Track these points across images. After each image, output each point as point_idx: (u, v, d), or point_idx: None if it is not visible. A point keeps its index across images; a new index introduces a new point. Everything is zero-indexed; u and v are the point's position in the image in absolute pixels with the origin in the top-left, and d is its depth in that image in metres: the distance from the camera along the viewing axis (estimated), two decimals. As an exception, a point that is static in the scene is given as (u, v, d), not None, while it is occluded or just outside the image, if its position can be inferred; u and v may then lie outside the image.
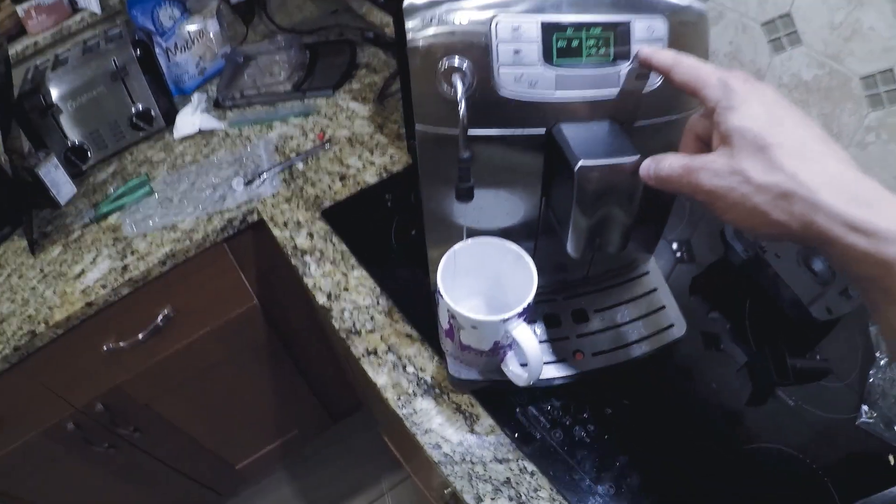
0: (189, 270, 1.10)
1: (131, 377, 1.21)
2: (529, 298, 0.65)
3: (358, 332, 0.84)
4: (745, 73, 0.44)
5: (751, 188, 0.40)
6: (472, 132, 0.59)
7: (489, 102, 0.58)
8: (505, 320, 0.64)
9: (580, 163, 0.54)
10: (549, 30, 0.55)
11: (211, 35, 1.35)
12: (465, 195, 0.58)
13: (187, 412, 1.40)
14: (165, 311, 1.15)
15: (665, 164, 0.47)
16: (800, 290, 0.79)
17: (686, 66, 0.47)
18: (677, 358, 0.79)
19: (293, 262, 0.94)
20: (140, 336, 1.13)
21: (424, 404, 0.76)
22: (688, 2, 0.57)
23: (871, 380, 0.75)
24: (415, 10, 0.56)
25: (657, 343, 0.77)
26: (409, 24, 0.56)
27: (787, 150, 0.39)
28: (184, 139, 1.24)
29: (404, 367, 0.80)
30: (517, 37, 0.55)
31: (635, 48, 0.56)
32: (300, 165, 1.10)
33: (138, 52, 1.22)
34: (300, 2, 1.53)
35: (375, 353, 0.82)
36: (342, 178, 1.08)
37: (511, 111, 0.58)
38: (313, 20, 1.45)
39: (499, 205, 0.68)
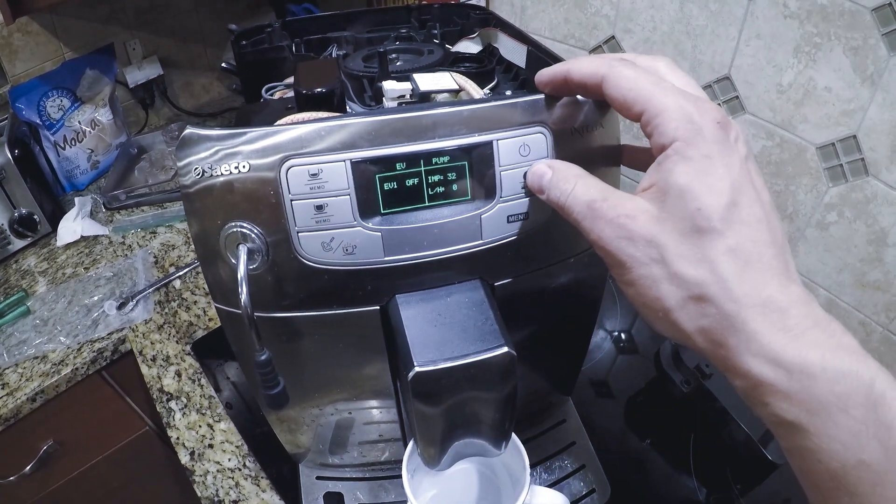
0: (64, 403, 0.93)
1: None
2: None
3: (221, 503, 0.64)
4: (720, 111, 0.30)
5: (663, 272, 0.29)
6: (278, 315, 0.40)
7: (293, 276, 0.39)
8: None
9: (414, 370, 0.35)
10: (366, 171, 0.37)
11: (105, 125, 1.18)
12: (275, 402, 0.39)
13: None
14: (47, 445, 0.99)
15: (566, 188, 0.33)
16: (753, 424, 0.62)
17: (628, 78, 0.31)
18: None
19: (157, 408, 0.75)
20: (27, 469, 0.98)
21: None
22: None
23: None
24: (188, 145, 0.37)
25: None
26: (182, 163, 0.38)
27: (729, 246, 0.28)
28: (68, 246, 1.05)
29: (272, 554, 0.60)
30: (318, 187, 0.37)
31: (506, 177, 0.38)
32: (177, 283, 0.92)
33: (17, 153, 1.04)
34: (206, 82, 1.36)
35: (241, 532, 0.62)
36: (219, 299, 0.89)
37: (325, 286, 0.39)
38: (221, 101, 1.27)
39: (344, 375, 0.49)
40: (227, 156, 0.37)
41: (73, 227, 1.04)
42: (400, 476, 0.59)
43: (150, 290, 0.91)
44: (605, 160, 0.42)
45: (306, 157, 0.37)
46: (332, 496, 0.60)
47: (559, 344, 0.50)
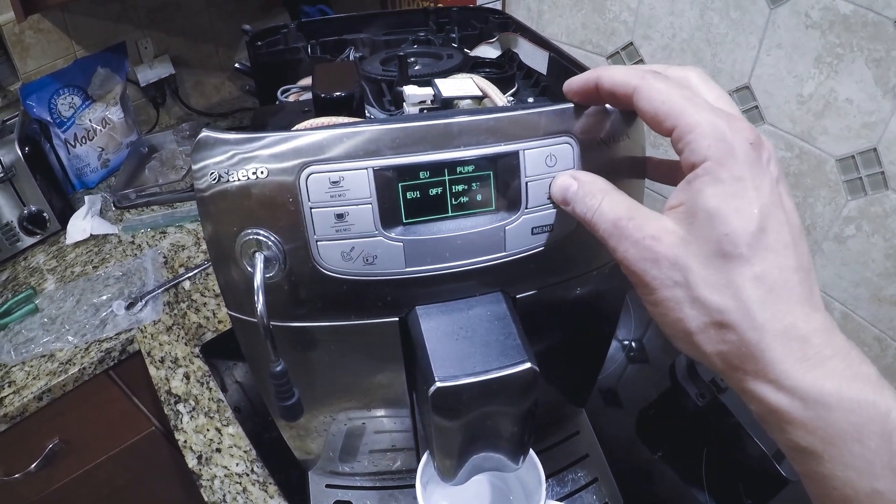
0: (71, 403, 0.92)
1: None
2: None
3: (229, 511, 0.63)
4: (753, 130, 0.29)
5: (686, 295, 0.29)
6: (294, 325, 0.39)
7: (311, 285, 0.38)
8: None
9: (435, 386, 0.33)
10: (388, 179, 0.35)
11: (115, 123, 1.16)
12: (290, 414, 0.38)
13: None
14: (53, 443, 0.98)
15: (592, 204, 0.33)
16: (767, 441, 0.60)
17: (661, 91, 0.30)
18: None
19: (165, 410, 0.74)
20: (32, 467, 0.97)
21: None
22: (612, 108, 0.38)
23: None
24: (203, 149, 0.36)
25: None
26: (197, 167, 0.36)
27: (755, 273, 0.28)
28: (77, 245, 1.04)
29: (278, 563, 0.59)
30: (339, 195, 0.35)
31: (532, 188, 0.36)
32: (187, 284, 0.90)
33: (27, 150, 1.03)
34: (218, 82, 1.34)
35: (247, 539, 0.61)
36: (229, 302, 0.87)
37: (344, 297, 0.38)
38: (232, 101, 1.25)
39: (359, 386, 0.48)
40: (244, 160, 0.36)
41: (82, 225, 1.03)
42: (411, 486, 0.58)
43: (160, 290, 0.90)
44: (631, 172, 0.41)
45: (327, 164, 0.35)
46: (341, 505, 0.58)
47: (577, 355, 0.49)
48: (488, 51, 0.61)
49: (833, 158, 0.71)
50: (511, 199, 0.37)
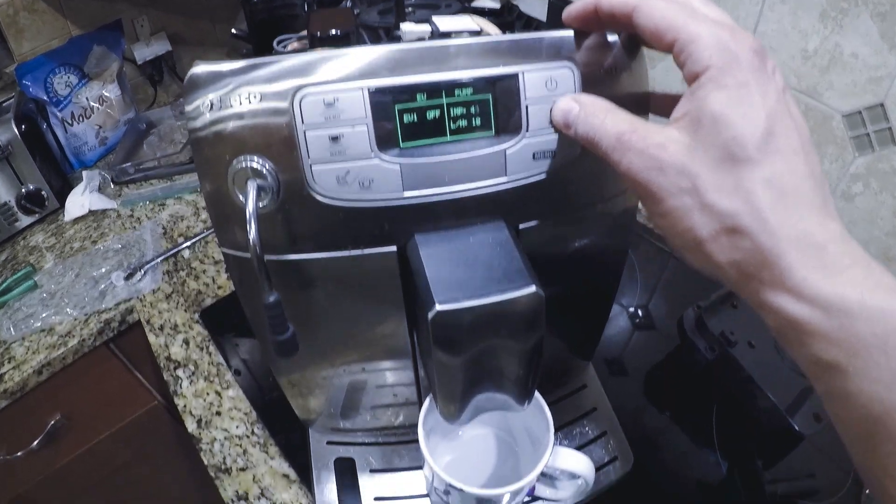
0: (71, 377, 0.91)
1: (33, 486, 1.03)
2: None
3: (228, 471, 0.63)
4: (757, 40, 0.28)
5: (695, 202, 0.28)
6: (288, 258, 0.38)
7: (306, 214, 0.36)
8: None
9: (435, 309, 0.32)
10: (384, 100, 0.34)
11: (113, 101, 1.15)
12: (284, 350, 0.37)
13: (104, 515, 1.18)
14: (55, 419, 0.97)
15: (595, 123, 0.32)
16: (779, 393, 0.58)
17: (660, 8, 0.29)
18: (624, 490, 0.57)
19: (165, 376, 0.73)
20: (34, 445, 0.96)
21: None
22: (613, 37, 0.37)
23: (866, 490, 0.56)
24: (196, 86, 0.35)
25: (596, 485, 0.54)
26: (189, 106, 0.35)
27: (765, 176, 0.27)
28: (76, 221, 1.03)
29: (279, 519, 0.58)
30: (334, 116, 0.34)
31: (532, 111, 0.35)
32: (186, 253, 0.89)
33: (23, 128, 1.02)
34: (215, 57, 1.32)
35: (247, 497, 0.60)
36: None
37: (340, 225, 0.37)
38: (229, 77, 1.24)
39: (359, 328, 0.46)
40: (238, 87, 0.35)
41: (80, 201, 1.01)
42: (413, 441, 0.57)
43: (159, 259, 0.89)
44: (633, 106, 0.39)
45: (321, 86, 0.34)
46: (343, 462, 0.57)
47: (582, 302, 0.48)
48: (488, 1, 0.60)
49: (839, 114, 0.70)
50: (511, 123, 0.36)
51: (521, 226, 0.39)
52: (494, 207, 0.37)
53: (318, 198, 0.35)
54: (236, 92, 0.35)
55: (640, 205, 0.37)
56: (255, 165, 0.35)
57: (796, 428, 0.56)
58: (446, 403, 0.40)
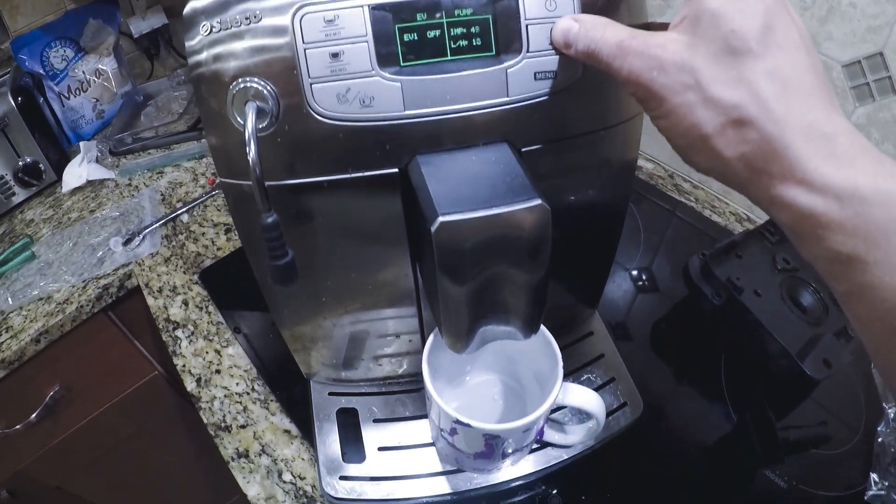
0: (70, 346, 0.91)
1: (33, 460, 1.02)
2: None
3: (228, 428, 0.62)
4: None
5: (697, 97, 0.27)
6: (288, 182, 0.37)
7: (306, 136, 0.36)
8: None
9: (439, 220, 0.32)
10: (385, 18, 0.34)
11: (109, 74, 1.14)
12: (282, 276, 0.36)
13: (106, 490, 1.18)
14: (54, 391, 0.96)
15: (595, 35, 0.31)
16: (788, 338, 0.58)
17: None
18: (634, 439, 0.57)
19: (164, 337, 0.72)
20: (33, 417, 0.95)
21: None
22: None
23: (879, 439, 0.55)
24: (195, 16, 0.35)
25: (606, 431, 0.54)
26: (190, 41, 0.35)
27: (767, 68, 0.26)
28: (74, 192, 1.03)
29: (280, 475, 0.58)
30: (334, 33, 0.34)
31: (533, 31, 0.34)
32: (185, 217, 0.89)
33: (20, 101, 1.01)
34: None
35: (247, 455, 0.60)
36: (228, 230, 0.88)
37: (340, 146, 0.36)
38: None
39: (362, 267, 0.46)
40: (238, 5, 0.34)
41: (78, 171, 1.01)
42: (417, 390, 0.57)
43: (157, 224, 0.88)
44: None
45: (321, 4, 0.34)
46: (345, 412, 0.57)
47: (586, 242, 0.47)
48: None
49: (839, 64, 0.69)
50: (512, 42, 0.35)
51: (524, 149, 0.38)
52: (497, 128, 0.37)
53: (319, 117, 0.35)
54: (236, 12, 0.34)
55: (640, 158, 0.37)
56: (254, 86, 0.35)
57: (808, 373, 0.55)
58: (452, 334, 0.40)
